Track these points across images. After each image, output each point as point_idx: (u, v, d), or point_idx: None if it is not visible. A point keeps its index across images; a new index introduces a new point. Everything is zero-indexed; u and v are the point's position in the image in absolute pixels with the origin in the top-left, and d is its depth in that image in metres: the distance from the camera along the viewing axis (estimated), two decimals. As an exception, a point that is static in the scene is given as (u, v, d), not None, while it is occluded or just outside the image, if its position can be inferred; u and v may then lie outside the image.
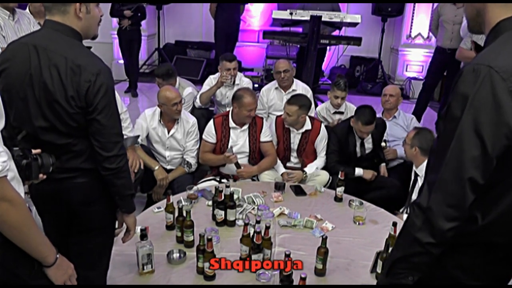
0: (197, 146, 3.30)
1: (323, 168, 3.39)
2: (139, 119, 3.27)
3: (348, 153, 3.32)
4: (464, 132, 1.05)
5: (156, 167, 3.13)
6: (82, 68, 1.49)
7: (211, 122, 3.25)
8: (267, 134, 3.24)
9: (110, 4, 5.76)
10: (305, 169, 3.22)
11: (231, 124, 3.19)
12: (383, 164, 3.42)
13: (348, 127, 3.32)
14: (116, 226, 1.86)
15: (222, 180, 3.15)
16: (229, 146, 3.11)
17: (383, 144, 3.49)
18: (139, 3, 5.79)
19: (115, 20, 6.73)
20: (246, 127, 3.21)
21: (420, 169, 2.79)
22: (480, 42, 3.44)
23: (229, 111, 3.26)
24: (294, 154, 3.31)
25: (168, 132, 3.22)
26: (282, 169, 3.26)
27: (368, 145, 3.37)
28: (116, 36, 6.76)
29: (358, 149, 3.34)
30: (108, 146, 1.57)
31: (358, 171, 3.25)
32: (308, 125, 3.25)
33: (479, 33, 1.25)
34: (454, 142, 1.07)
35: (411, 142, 2.83)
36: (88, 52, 1.57)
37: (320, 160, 3.30)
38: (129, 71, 5.95)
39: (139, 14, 5.81)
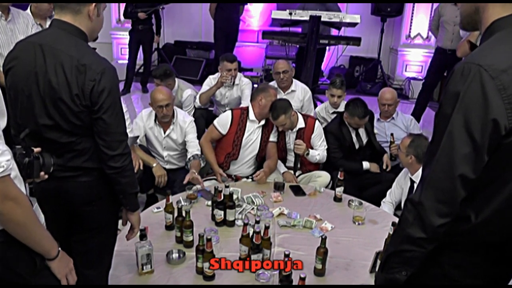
0: (196, 134, 3.25)
1: (324, 168, 3.39)
2: (137, 119, 3.28)
3: (347, 147, 3.36)
4: (455, 129, 1.06)
5: (154, 164, 3.13)
6: (87, 67, 1.51)
7: (228, 113, 3.23)
8: (275, 135, 3.28)
9: (111, 5, 5.75)
10: (309, 149, 3.19)
11: (251, 116, 3.19)
12: (386, 155, 3.43)
13: (339, 121, 3.38)
14: (121, 224, 1.87)
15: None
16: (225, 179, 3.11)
17: (390, 139, 3.50)
18: (156, 7, 5.77)
19: (114, 20, 6.75)
20: (262, 123, 3.21)
21: (416, 176, 2.76)
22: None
23: (247, 106, 3.26)
24: (291, 153, 3.31)
25: (164, 132, 3.22)
26: (283, 168, 3.27)
27: (363, 135, 3.42)
28: (116, 36, 6.78)
29: (354, 140, 3.39)
30: (113, 145, 1.58)
31: (365, 164, 3.34)
32: (301, 123, 3.25)
33: (472, 30, 1.26)
34: (445, 139, 1.08)
35: (406, 150, 2.77)
36: (93, 52, 1.60)
37: (321, 151, 3.28)
38: (129, 71, 5.96)
39: (153, 18, 5.81)
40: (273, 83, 3.89)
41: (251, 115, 3.19)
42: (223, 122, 3.21)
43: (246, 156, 3.22)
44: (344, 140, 3.36)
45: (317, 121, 3.36)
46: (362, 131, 3.42)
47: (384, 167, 3.39)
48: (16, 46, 1.63)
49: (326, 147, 3.32)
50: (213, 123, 3.24)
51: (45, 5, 3.19)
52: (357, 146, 3.40)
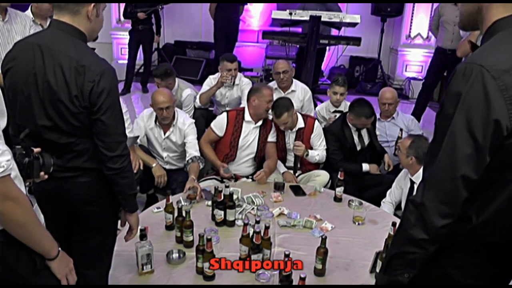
0: (196, 136, 3.25)
1: (323, 168, 3.39)
2: (138, 119, 3.28)
3: (348, 148, 3.33)
4: (457, 130, 1.06)
5: (154, 164, 3.13)
6: (86, 68, 1.50)
7: (224, 115, 3.24)
8: (274, 135, 3.28)
9: (111, 5, 5.74)
10: (308, 150, 3.20)
11: (247, 117, 3.19)
12: (387, 155, 3.40)
13: (342, 122, 3.35)
14: (120, 225, 1.87)
15: (223, 180, 3.15)
16: (227, 166, 3.10)
17: (399, 134, 3.48)
18: (155, 7, 5.77)
19: (114, 20, 6.75)
20: (259, 124, 3.21)
21: (416, 177, 2.75)
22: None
23: (243, 107, 3.27)
24: (291, 153, 3.32)
25: (164, 134, 3.21)
26: (283, 168, 3.27)
27: (365, 136, 3.39)
28: (116, 36, 6.78)
29: (356, 141, 3.36)
30: (112, 146, 1.58)
31: (365, 166, 3.30)
32: (301, 123, 3.26)
33: (472, 30, 1.26)
34: (447, 140, 1.08)
35: (407, 151, 2.76)
36: (92, 53, 1.59)
37: (320, 151, 3.29)
38: (129, 71, 5.96)
39: (153, 18, 5.80)
40: (273, 83, 3.89)
41: (247, 116, 3.20)
42: (219, 124, 3.22)
43: (244, 157, 3.22)
44: (345, 141, 3.34)
45: (316, 121, 3.37)
46: (364, 132, 3.40)
47: (386, 167, 3.37)
48: (15, 46, 1.63)
49: (326, 147, 3.32)
50: (210, 126, 3.26)
51: (46, 5, 3.19)
52: (358, 148, 3.38)
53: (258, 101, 3.14)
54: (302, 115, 3.35)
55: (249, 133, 3.21)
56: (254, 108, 3.16)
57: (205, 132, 3.29)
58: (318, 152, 3.26)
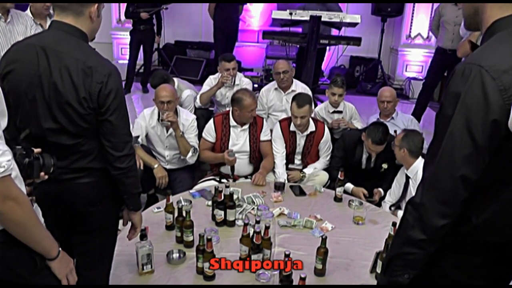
0: (196, 133, 3.29)
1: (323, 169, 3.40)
2: (138, 119, 3.28)
3: (353, 162, 3.23)
4: (456, 130, 1.06)
5: (156, 166, 3.14)
6: (94, 70, 1.50)
7: (211, 121, 3.27)
8: (267, 134, 3.27)
9: (111, 5, 5.72)
10: (305, 170, 3.24)
11: (232, 122, 3.20)
12: (379, 189, 3.11)
13: (359, 137, 3.18)
14: (122, 224, 1.87)
15: (222, 180, 3.15)
16: (229, 148, 3.12)
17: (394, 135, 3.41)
18: (159, 8, 5.74)
19: (114, 20, 6.74)
20: (246, 126, 3.22)
21: (411, 171, 2.76)
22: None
23: (229, 110, 3.27)
24: (298, 156, 3.34)
25: (167, 131, 3.22)
26: (284, 176, 3.20)
27: (373, 160, 3.20)
28: (116, 36, 6.77)
29: (364, 160, 3.23)
30: (119, 146, 1.59)
31: (348, 186, 3.07)
32: (312, 127, 3.26)
33: (476, 31, 1.26)
34: (446, 140, 1.08)
35: (400, 143, 2.77)
36: (96, 54, 1.59)
37: (321, 162, 3.31)
38: (129, 71, 5.95)
39: (154, 19, 5.79)
40: (273, 83, 3.89)
41: (232, 121, 3.21)
42: (208, 131, 3.24)
43: (239, 159, 3.19)
44: (352, 156, 3.20)
45: (326, 127, 3.36)
46: (374, 155, 3.17)
47: (376, 198, 3.09)
48: (13, 48, 1.60)
49: (330, 156, 3.32)
50: (202, 135, 3.28)
51: (39, 4, 3.16)
52: (363, 167, 3.24)
53: (240, 112, 3.12)
54: (312, 118, 3.33)
55: (238, 136, 3.22)
56: (237, 116, 3.17)
57: (200, 143, 3.28)
58: (317, 164, 3.30)
